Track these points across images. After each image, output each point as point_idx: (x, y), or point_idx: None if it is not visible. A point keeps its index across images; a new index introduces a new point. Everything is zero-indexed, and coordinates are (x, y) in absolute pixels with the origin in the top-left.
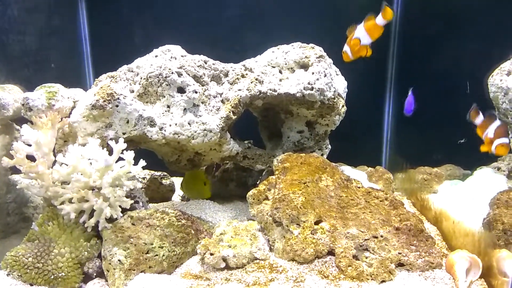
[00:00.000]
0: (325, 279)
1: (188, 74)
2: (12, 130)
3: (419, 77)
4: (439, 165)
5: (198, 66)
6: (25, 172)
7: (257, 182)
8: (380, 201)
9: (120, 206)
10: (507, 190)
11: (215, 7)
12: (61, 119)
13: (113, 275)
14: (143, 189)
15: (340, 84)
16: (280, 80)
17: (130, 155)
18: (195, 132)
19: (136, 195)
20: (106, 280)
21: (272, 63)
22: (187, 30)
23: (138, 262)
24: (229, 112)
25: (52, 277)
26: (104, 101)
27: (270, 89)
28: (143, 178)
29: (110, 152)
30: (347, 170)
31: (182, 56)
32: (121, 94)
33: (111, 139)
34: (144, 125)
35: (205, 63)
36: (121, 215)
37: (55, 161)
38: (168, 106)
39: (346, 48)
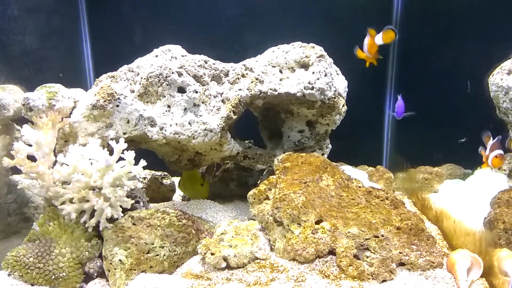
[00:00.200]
0: (326, 278)
1: (189, 74)
2: (12, 130)
3: (419, 76)
4: (439, 164)
5: (198, 66)
6: (25, 172)
7: (258, 182)
8: (381, 200)
9: (121, 206)
10: (508, 189)
11: (215, 7)
12: (62, 119)
13: (114, 275)
14: (143, 189)
15: (340, 84)
16: (281, 79)
17: (130, 155)
18: (196, 132)
19: (137, 195)
20: (107, 280)
21: (272, 63)
22: (187, 30)
23: (139, 262)
24: (230, 111)
25: (53, 277)
26: (104, 101)
27: (271, 89)
28: (144, 178)
29: (111, 152)
30: (348, 169)
31: (182, 56)
32: (121, 94)
33: (111, 139)
34: (145, 125)
35: (206, 62)
36: (122, 215)
37: (55, 161)
38: (169, 106)
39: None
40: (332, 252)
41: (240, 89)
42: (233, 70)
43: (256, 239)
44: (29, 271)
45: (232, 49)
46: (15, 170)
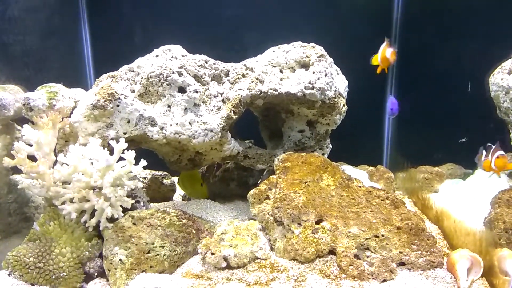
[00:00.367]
0: (326, 278)
1: (189, 74)
2: (13, 130)
3: (419, 76)
4: (440, 164)
5: (198, 66)
6: (26, 172)
7: (258, 182)
8: (381, 200)
9: (121, 206)
10: (508, 189)
11: (215, 7)
12: (62, 119)
13: (114, 274)
14: (144, 189)
15: (341, 84)
16: (281, 79)
17: (131, 155)
18: (196, 131)
19: (137, 195)
20: (107, 280)
21: (272, 63)
22: (188, 30)
23: (139, 261)
24: (230, 111)
25: (53, 277)
26: (105, 101)
27: (271, 89)
28: (144, 178)
29: (111, 152)
30: (348, 169)
31: (182, 55)
32: (122, 94)
33: (112, 139)
34: (145, 125)
35: (206, 62)
36: (122, 214)
37: (56, 161)
38: (169, 106)
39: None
40: (332, 252)
41: (240, 89)
42: (234, 70)
43: (256, 239)
44: (29, 270)
45: (232, 49)
46: (16, 170)
